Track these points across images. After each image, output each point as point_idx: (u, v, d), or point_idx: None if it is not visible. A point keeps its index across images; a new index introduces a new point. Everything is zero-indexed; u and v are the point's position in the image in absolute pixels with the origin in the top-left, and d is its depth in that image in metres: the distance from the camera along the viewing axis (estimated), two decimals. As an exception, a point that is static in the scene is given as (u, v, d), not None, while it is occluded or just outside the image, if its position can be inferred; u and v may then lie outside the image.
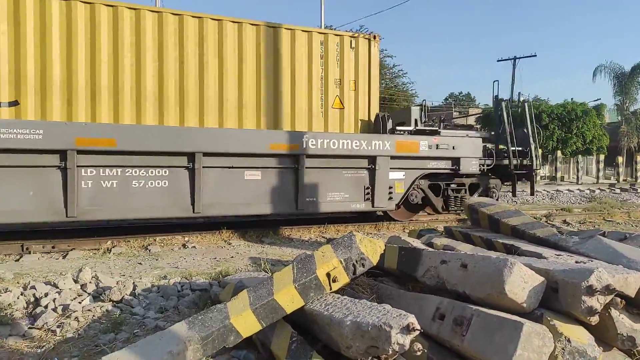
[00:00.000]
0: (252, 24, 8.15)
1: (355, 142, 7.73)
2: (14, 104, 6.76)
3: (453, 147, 8.51)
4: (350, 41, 8.83)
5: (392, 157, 8.07)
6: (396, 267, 3.19)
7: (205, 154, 6.91)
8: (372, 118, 9.08)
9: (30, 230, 7.45)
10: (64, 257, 6.22)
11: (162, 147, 6.62)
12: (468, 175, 8.96)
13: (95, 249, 6.64)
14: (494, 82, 10.71)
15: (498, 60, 36.59)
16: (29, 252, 6.39)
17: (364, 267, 2.74)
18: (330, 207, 7.85)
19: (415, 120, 8.92)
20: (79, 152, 6.22)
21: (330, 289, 2.63)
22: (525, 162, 9.55)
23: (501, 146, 9.73)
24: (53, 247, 6.57)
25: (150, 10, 7.59)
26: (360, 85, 8.90)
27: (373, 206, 8.10)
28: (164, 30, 7.55)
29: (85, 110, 7.22)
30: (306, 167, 7.45)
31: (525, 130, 9.64)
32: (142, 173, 6.64)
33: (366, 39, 9.03)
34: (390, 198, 8.20)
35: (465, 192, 8.97)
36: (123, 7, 7.32)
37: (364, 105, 9.03)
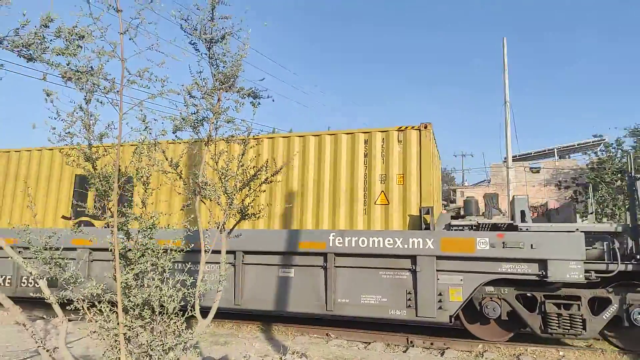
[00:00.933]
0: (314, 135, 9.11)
1: (389, 240, 7.21)
2: None
3: (532, 246, 6.71)
4: (397, 135, 8.73)
5: (439, 257, 7.08)
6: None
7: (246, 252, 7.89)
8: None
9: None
10: (442, 354, 6.94)
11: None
12: (580, 285, 6.80)
13: (468, 351, 7.18)
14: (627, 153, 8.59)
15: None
16: (413, 345, 7.50)
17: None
18: (363, 312, 7.32)
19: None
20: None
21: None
22: None
23: None
24: (432, 344, 7.51)
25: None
26: (408, 179, 8.46)
27: (417, 315, 7.13)
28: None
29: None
30: (335, 267, 7.27)
31: None
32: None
33: (416, 129, 8.56)
34: (440, 307, 7.05)
35: (580, 309, 6.77)
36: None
37: (415, 199, 8.47)
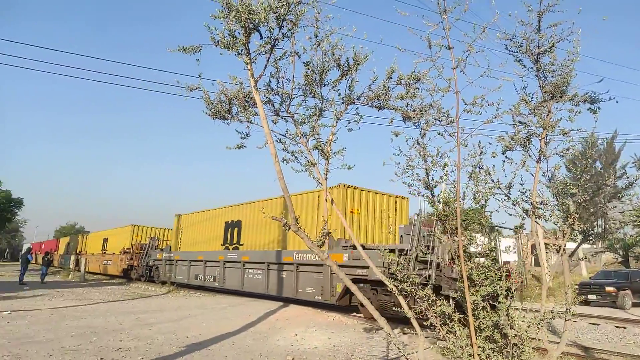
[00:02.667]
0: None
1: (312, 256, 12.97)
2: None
3: (360, 259, 10.59)
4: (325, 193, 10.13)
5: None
6: None
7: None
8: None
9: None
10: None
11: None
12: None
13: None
14: None
15: None
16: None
17: None
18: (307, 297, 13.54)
19: None
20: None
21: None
22: None
23: None
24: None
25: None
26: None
27: (322, 299, 12.72)
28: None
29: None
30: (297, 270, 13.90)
31: None
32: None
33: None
34: (332, 294, 12.38)
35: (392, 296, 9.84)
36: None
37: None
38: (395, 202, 14.75)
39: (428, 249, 9.71)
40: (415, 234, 10.18)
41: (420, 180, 4.34)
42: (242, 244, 17.74)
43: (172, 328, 10.01)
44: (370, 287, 11.34)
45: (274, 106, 4.76)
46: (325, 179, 4.52)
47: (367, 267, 10.58)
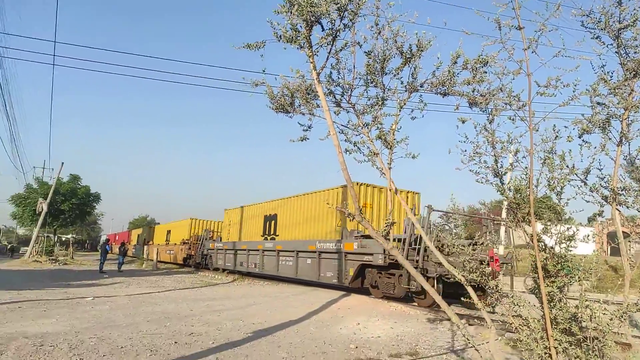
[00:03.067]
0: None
1: (330, 244, 15.06)
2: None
3: (367, 246, 13.19)
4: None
5: (345, 253, 14.17)
6: None
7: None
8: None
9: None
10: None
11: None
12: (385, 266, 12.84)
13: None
14: None
15: None
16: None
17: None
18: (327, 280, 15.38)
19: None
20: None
21: None
22: None
23: None
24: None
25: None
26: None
27: (339, 282, 14.63)
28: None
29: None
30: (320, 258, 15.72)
31: None
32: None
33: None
34: (346, 278, 14.15)
35: (392, 279, 12.92)
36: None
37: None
38: (407, 197, 16.22)
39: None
40: (408, 225, 11.79)
41: (488, 167, 4.20)
42: (278, 235, 19.66)
43: (239, 315, 10.42)
44: (377, 271, 13.36)
45: (335, 97, 4.78)
46: (389, 168, 4.48)
47: (372, 254, 12.82)
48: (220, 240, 25.96)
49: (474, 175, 4.37)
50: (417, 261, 11.29)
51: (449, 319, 9.44)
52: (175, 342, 7.20)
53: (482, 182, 4.29)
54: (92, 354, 6.22)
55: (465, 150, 4.17)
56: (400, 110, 4.36)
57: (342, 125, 4.69)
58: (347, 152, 4.59)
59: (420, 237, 11.40)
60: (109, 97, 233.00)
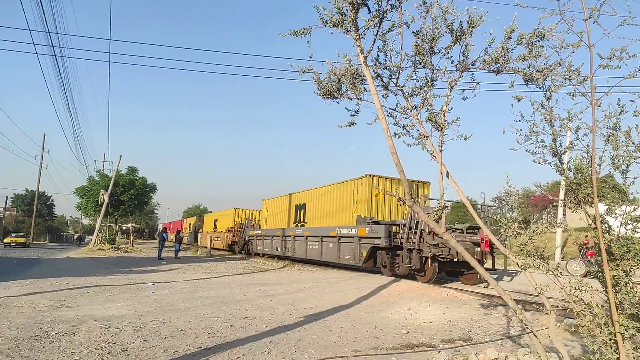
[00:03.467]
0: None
1: (348, 230, 17.26)
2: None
3: (377, 231, 15.31)
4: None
5: (359, 237, 16.37)
6: None
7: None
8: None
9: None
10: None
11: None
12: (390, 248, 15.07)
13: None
14: None
15: None
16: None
17: None
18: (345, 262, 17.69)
19: None
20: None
21: None
22: None
23: None
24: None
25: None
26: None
27: (355, 262, 16.70)
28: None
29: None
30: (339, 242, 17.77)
31: None
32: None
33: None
34: (360, 259, 16.19)
35: (396, 259, 15.01)
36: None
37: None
38: (417, 186, 17.83)
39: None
40: (411, 212, 13.74)
41: (546, 147, 4.01)
42: (306, 222, 22.05)
43: (290, 299, 10.65)
44: (385, 252, 15.18)
45: (382, 81, 4.71)
46: (440, 151, 4.38)
47: (380, 238, 14.87)
48: (259, 227, 28.28)
49: (531, 156, 4.19)
50: (414, 243, 13.68)
51: (503, 305, 9.21)
52: (231, 326, 7.47)
53: (539, 163, 4.11)
54: (154, 336, 6.58)
55: (521, 130, 4.00)
56: (450, 91, 4.24)
57: (390, 108, 4.64)
58: (396, 136, 4.53)
59: (417, 222, 13.77)
60: (163, 86, 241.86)
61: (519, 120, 4.05)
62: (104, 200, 33.79)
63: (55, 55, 19.87)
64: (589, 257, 15.80)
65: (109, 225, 41.52)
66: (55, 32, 47.46)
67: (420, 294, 11.30)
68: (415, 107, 4.50)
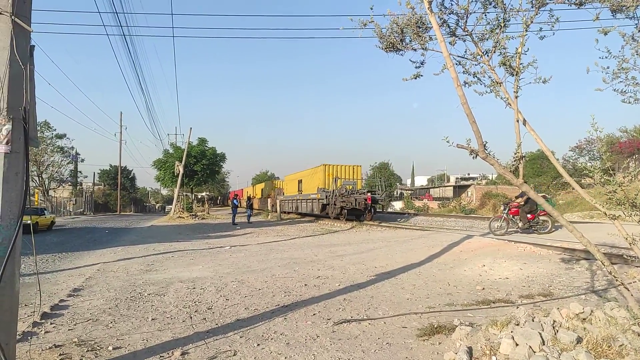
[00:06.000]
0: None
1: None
2: None
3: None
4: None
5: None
6: None
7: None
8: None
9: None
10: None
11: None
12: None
13: None
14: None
15: None
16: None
17: None
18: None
19: None
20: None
21: None
22: None
23: None
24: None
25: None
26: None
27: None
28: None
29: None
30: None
31: None
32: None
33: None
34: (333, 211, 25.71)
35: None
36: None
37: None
38: (355, 169, 28.39)
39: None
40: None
41: (638, 84, 3.60)
42: (302, 191, 32.79)
43: (360, 259, 10.79)
44: (327, 206, 26.20)
45: (449, 27, 4.41)
46: (516, 97, 4.08)
47: (324, 199, 26.45)
48: (284, 194, 39.08)
49: (620, 95, 3.79)
50: (335, 201, 25.01)
51: (586, 258, 8.70)
52: (305, 285, 7.74)
53: (629, 102, 3.72)
54: (235, 295, 6.98)
55: (607, 67, 3.62)
56: (526, 30, 3.89)
57: (458, 56, 4.36)
58: (466, 85, 4.28)
59: (336, 188, 25.72)
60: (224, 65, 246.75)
61: (605, 57, 3.65)
62: (179, 171, 35.69)
63: (124, 35, 20.75)
64: None
65: (186, 195, 43.99)
66: (122, 12, 49.42)
67: (494, 250, 10.96)
68: (486, 52, 4.19)
